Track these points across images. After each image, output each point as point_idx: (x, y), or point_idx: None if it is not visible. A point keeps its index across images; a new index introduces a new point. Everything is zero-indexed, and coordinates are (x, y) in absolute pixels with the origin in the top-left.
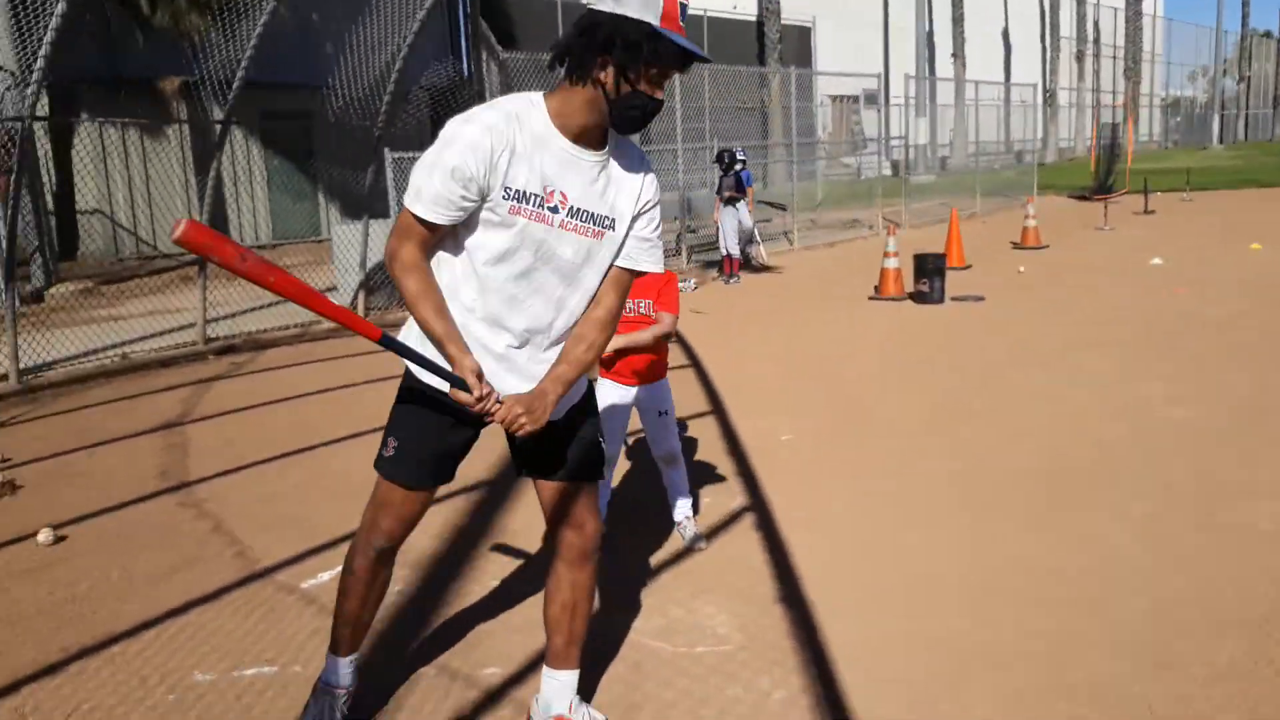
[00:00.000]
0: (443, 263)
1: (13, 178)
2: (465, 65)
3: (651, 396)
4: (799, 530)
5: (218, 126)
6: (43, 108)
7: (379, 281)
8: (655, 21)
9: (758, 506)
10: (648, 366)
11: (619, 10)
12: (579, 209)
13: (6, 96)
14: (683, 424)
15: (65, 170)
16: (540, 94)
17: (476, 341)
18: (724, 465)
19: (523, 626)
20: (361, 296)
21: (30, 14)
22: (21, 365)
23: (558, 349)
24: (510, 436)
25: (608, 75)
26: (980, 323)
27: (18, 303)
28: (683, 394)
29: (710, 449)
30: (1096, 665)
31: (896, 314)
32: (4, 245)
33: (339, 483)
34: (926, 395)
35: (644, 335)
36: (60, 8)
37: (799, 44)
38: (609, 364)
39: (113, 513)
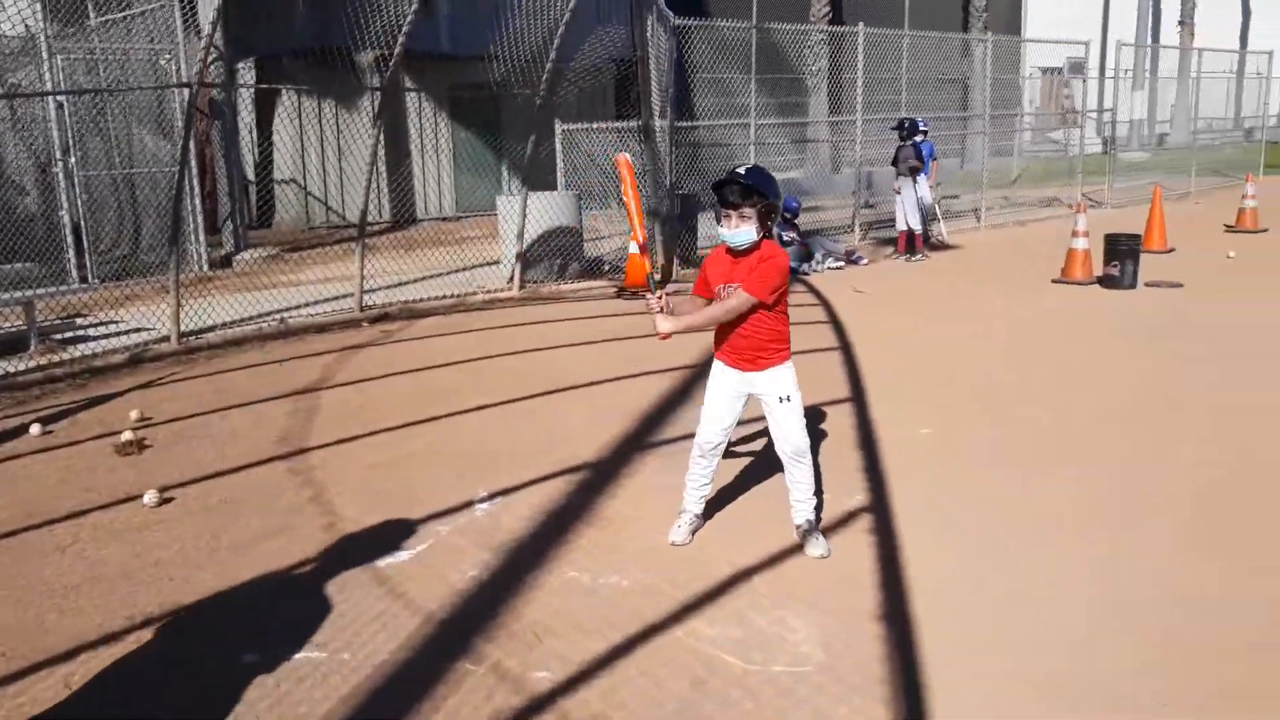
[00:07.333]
0: None
1: (181, 146)
2: (631, 33)
3: (769, 381)
4: (918, 538)
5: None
6: (251, 77)
7: (536, 255)
8: None
9: (877, 508)
10: (755, 350)
11: None
12: None
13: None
14: (818, 412)
15: (267, 142)
16: None
17: None
18: (849, 459)
19: (592, 629)
20: (518, 269)
21: None
22: (183, 328)
23: None
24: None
25: None
26: (1172, 312)
27: (202, 268)
28: (821, 378)
29: (839, 440)
30: None
31: (1079, 299)
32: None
33: (454, 452)
34: (1094, 394)
35: (708, 309)
36: None
37: (1009, 11)
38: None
39: (223, 477)
